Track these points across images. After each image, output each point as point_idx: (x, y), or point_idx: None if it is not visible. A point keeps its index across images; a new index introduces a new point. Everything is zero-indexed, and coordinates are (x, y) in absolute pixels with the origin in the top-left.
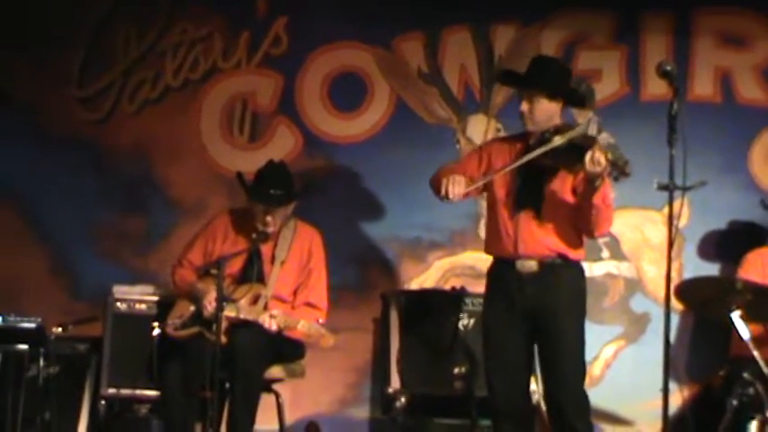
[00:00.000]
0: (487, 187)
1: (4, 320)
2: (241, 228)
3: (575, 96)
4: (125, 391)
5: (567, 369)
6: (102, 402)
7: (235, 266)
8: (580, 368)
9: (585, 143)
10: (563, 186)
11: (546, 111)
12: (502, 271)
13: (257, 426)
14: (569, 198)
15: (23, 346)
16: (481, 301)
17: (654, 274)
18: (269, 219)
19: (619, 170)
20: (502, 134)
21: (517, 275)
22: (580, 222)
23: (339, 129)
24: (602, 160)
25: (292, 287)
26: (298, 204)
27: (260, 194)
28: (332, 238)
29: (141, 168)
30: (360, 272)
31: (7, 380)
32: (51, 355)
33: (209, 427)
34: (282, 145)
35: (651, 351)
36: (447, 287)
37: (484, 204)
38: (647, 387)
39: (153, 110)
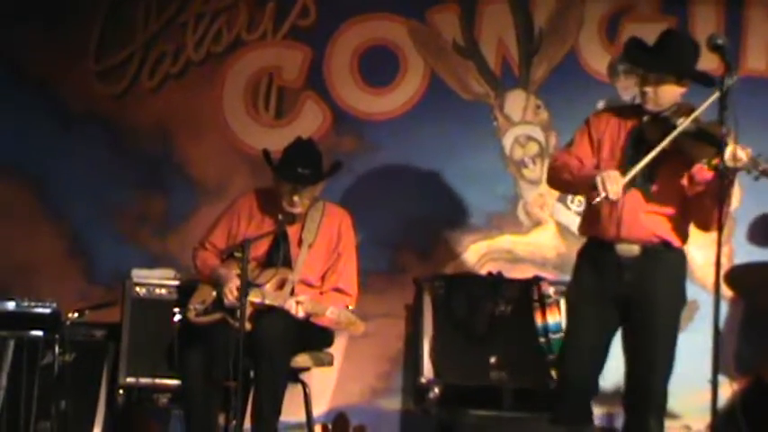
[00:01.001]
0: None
1: (17, 305)
2: (266, 209)
3: (705, 79)
4: (144, 380)
5: (656, 363)
6: (121, 392)
7: (260, 249)
8: (669, 364)
9: (719, 132)
10: (679, 170)
11: (673, 93)
12: (599, 254)
13: (283, 417)
14: (683, 185)
15: (38, 333)
16: (519, 287)
17: (702, 260)
18: (296, 199)
19: (758, 169)
20: (542, 111)
21: (616, 259)
22: (696, 214)
23: (370, 105)
24: (744, 157)
25: (320, 271)
26: (326, 184)
27: (287, 173)
28: (362, 219)
29: (161, 146)
30: (391, 255)
31: (21, 368)
32: (67, 342)
33: (232, 418)
34: (310, 122)
35: (699, 340)
36: (483, 272)
37: (523, 185)
38: (694, 378)
39: (173, 85)
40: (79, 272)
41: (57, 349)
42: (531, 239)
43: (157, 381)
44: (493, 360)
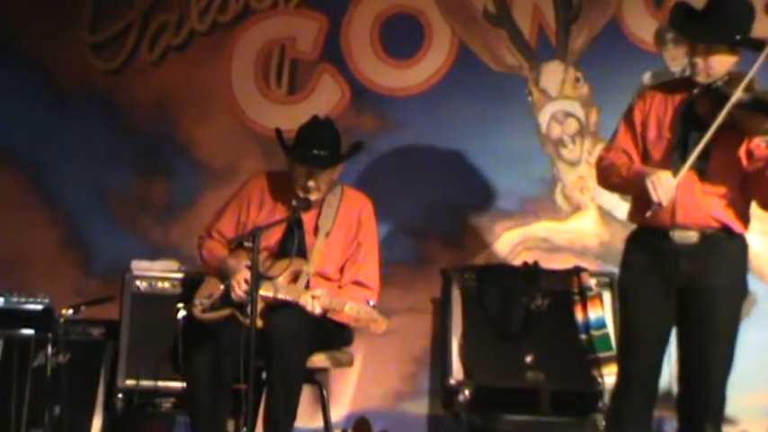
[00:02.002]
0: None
1: (6, 301)
2: (279, 194)
3: (761, 46)
4: (145, 383)
5: (714, 361)
6: (120, 396)
7: (272, 238)
8: (728, 362)
9: None
10: (735, 145)
11: (726, 63)
12: (653, 242)
13: (298, 423)
14: (742, 161)
15: (29, 331)
16: (557, 278)
17: (761, 247)
18: (311, 183)
19: None
20: (582, 84)
21: (673, 248)
22: (757, 194)
23: (392, 79)
24: None
25: (339, 263)
26: (345, 167)
27: (301, 155)
28: (384, 205)
29: (163, 126)
30: (416, 245)
31: (10, 370)
32: (61, 342)
33: (242, 425)
34: (327, 98)
35: (758, 336)
36: (517, 262)
37: (561, 166)
38: (753, 378)
39: (176, 58)
40: (74, 264)
41: (50, 349)
42: (571, 226)
43: (160, 383)
44: (529, 359)
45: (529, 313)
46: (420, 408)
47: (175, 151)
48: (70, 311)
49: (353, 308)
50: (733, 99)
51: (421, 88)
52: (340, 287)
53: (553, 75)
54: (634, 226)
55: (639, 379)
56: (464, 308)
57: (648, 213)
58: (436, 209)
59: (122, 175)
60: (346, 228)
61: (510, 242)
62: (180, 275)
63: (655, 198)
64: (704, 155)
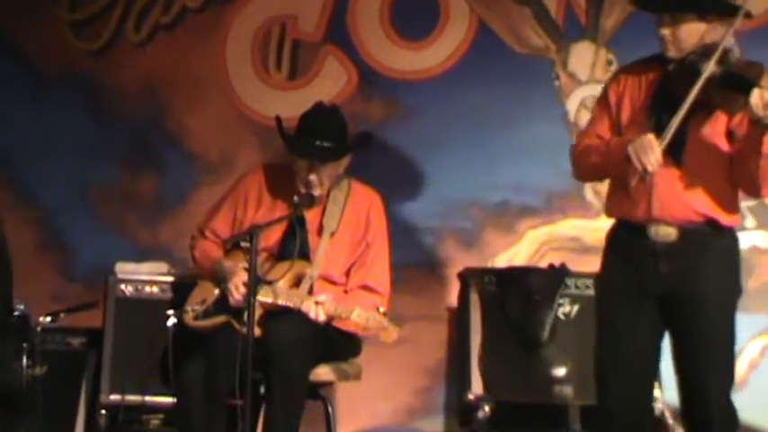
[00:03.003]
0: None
1: None
2: (279, 189)
3: (729, 9)
4: (132, 398)
5: (712, 372)
6: (103, 412)
7: (271, 238)
8: (728, 371)
9: (751, 74)
10: (714, 127)
11: (696, 32)
12: (628, 239)
13: None
14: (723, 144)
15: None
16: (587, 282)
17: None
18: (314, 178)
19: None
20: (614, 67)
21: (650, 246)
22: (740, 177)
23: (404, 62)
24: None
25: (345, 265)
26: (352, 160)
27: (303, 147)
28: (395, 202)
29: (151, 114)
30: (431, 245)
31: None
32: (37, 352)
33: None
34: (331, 83)
35: None
36: (543, 264)
37: None
38: None
39: (165, 38)
40: (52, 267)
41: (25, 361)
42: (602, 224)
43: (147, 398)
44: (556, 372)
45: (556, 321)
46: (435, 425)
47: (165, 142)
48: (48, 319)
49: (361, 315)
50: (705, 73)
51: (436, 72)
52: (346, 292)
53: (582, 57)
54: None
55: (616, 411)
56: (483, 315)
57: (634, 182)
58: (453, 206)
59: (106, 168)
60: (353, 227)
61: (535, 242)
62: (170, 279)
63: (639, 165)
64: (680, 140)
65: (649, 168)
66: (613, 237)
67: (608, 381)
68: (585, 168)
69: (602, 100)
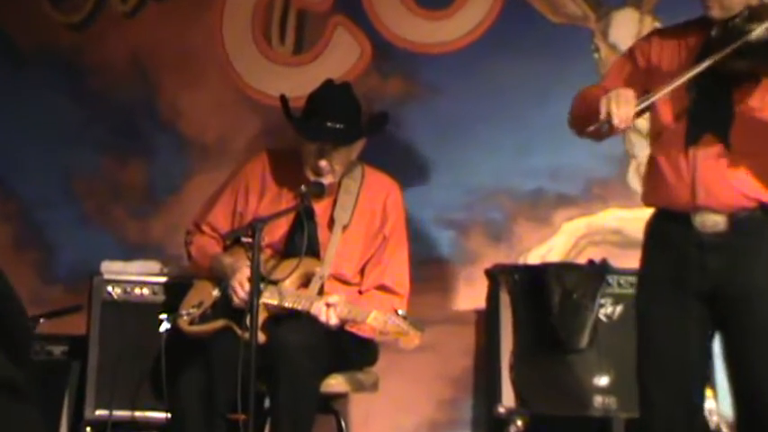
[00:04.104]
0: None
1: None
2: (285, 177)
3: None
4: (120, 413)
5: (766, 378)
6: (88, 429)
7: (277, 233)
8: None
9: None
10: (763, 100)
11: None
12: (670, 230)
13: None
14: None
15: None
16: (631, 279)
17: None
18: (324, 164)
19: None
20: None
21: (695, 237)
22: None
23: (424, 33)
24: None
25: (359, 262)
26: (366, 143)
27: (313, 129)
28: (415, 191)
29: (140, 94)
30: (456, 239)
31: None
32: None
33: None
34: (342, 58)
35: None
36: (582, 260)
37: (634, 139)
38: None
39: (155, 8)
40: (30, 267)
41: None
42: (648, 214)
43: (138, 414)
44: (598, 381)
45: (597, 323)
46: None
47: (155, 125)
48: None
49: (378, 318)
50: (749, 37)
51: (459, 45)
52: (361, 293)
53: (625, 25)
54: None
55: (657, 424)
56: (515, 317)
57: (591, 128)
58: (480, 194)
59: (89, 155)
60: (368, 219)
61: (572, 235)
62: (162, 279)
63: (604, 114)
64: (725, 115)
65: (614, 121)
66: (653, 228)
67: (650, 391)
68: (572, 119)
69: (625, 60)
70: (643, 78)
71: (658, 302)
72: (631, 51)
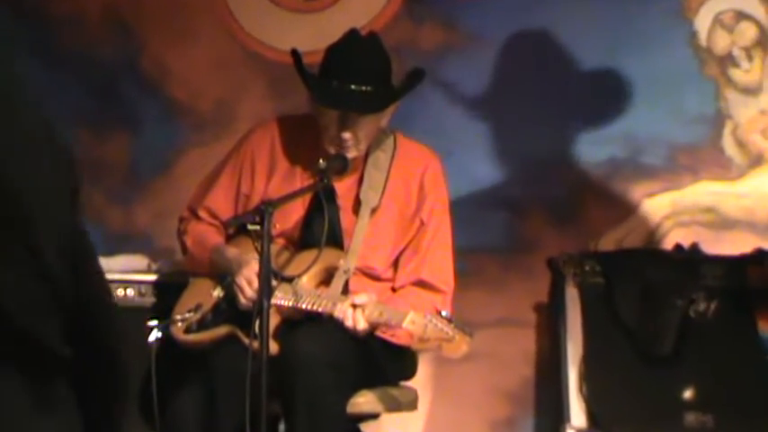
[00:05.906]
0: None
1: None
2: (298, 151)
3: None
4: None
5: None
6: None
7: (290, 218)
8: None
9: None
10: None
11: None
12: None
13: None
14: None
15: None
16: (728, 269)
17: None
18: (347, 135)
19: None
20: None
21: None
22: None
23: None
24: None
25: (392, 253)
26: (398, 108)
27: (333, 93)
28: (458, 165)
29: (120, 52)
30: (510, 223)
31: None
32: None
33: None
34: (365, 3)
35: None
36: (667, 245)
37: (730, 96)
38: None
39: None
40: None
41: None
42: (749, 189)
43: None
44: (688, 394)
45: (687, 324)
46: None
47: (141, 89)
48: None
49: (417, 321)
50: None
51: None
52: (395, 290)
53: None
54: None
55: None
56: (585, 317)
57: None
58: (539, 169)
59: (63, 127)
60: (402, 200)
61: (655, 214)
62: (151, 277)
63: None
64: None
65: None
66: None
67: None
68: None
69: None
70: None
71: None
72: None
